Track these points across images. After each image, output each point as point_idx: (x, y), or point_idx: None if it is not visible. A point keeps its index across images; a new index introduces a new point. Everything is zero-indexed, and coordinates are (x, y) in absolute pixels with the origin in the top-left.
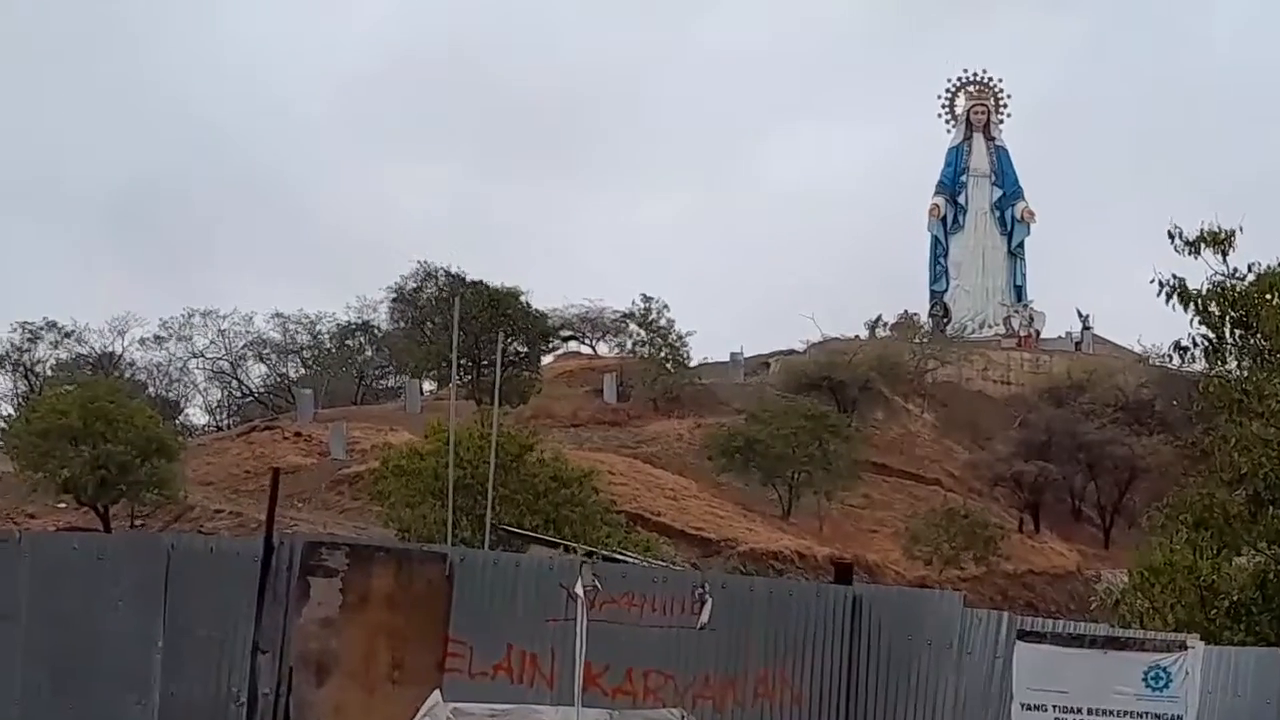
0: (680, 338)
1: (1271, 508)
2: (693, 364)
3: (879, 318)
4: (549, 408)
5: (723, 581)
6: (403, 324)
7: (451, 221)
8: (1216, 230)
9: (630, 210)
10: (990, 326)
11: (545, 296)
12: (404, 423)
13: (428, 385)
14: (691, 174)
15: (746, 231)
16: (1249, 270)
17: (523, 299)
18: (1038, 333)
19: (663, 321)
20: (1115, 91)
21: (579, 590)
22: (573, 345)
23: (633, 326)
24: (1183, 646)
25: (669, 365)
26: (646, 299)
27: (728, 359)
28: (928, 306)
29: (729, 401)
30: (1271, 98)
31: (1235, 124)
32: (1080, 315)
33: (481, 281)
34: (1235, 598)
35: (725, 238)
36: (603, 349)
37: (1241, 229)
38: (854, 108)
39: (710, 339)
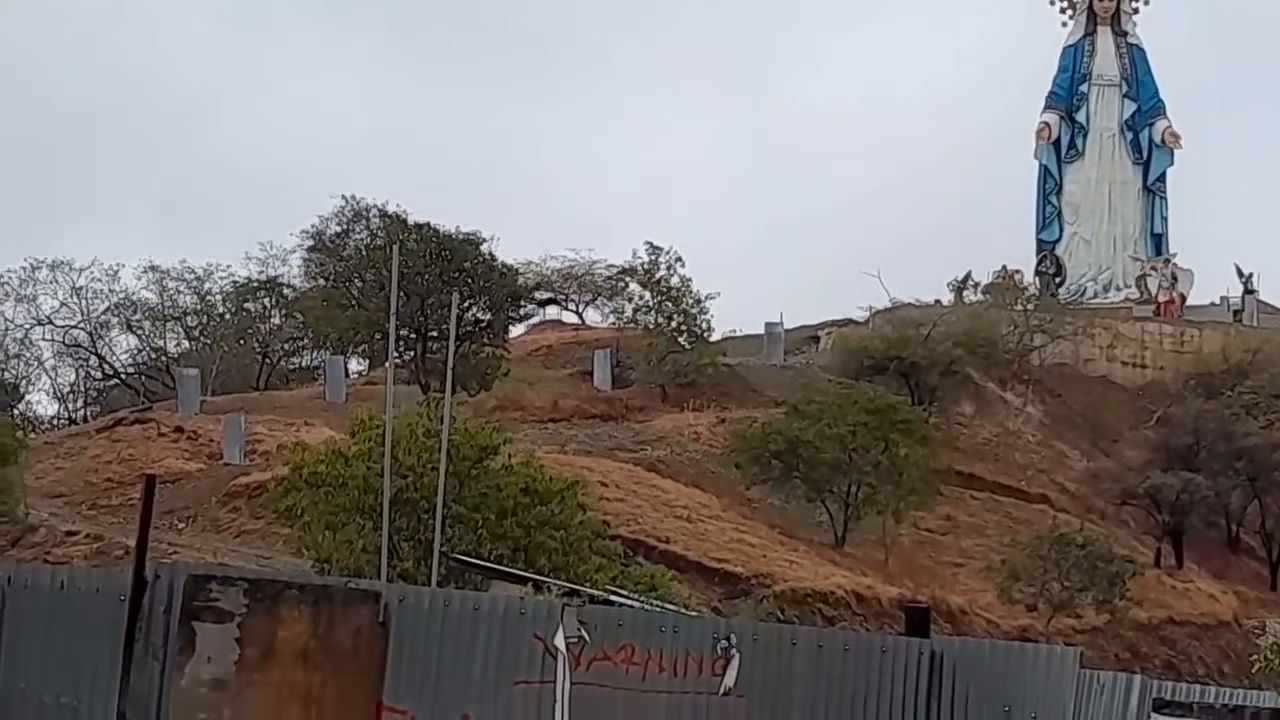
0: (699, 303)
1: None
2: (715, 338)
3: (967, 276)
4: (520, 396)
5: (754, 632)
6: (322, 281)
7: (389, 145)
8: None
9: (635, 136)
10: (1119, 289)
11: (517, 246)
12: (323, 415)
13: (356, 364)
14: (720, 91)
15: (790, 165)
16: None
17: (485, 249)
18: (1183, 297)
19: (675, 280)
20: None
21: (559, 643)
22: (553, 312)
23: (634, 287)
24: None
25: (683, 339)
26: (654, 250)
27: (763, 332)
28: (1034, 262)
29: (763, 389)
30: None
31: None
32: (1241, 274)
33: (429, 224)
34: None
35: (762, 173)
36: (593, 317)
37: None
38: None
39: (740, 305)
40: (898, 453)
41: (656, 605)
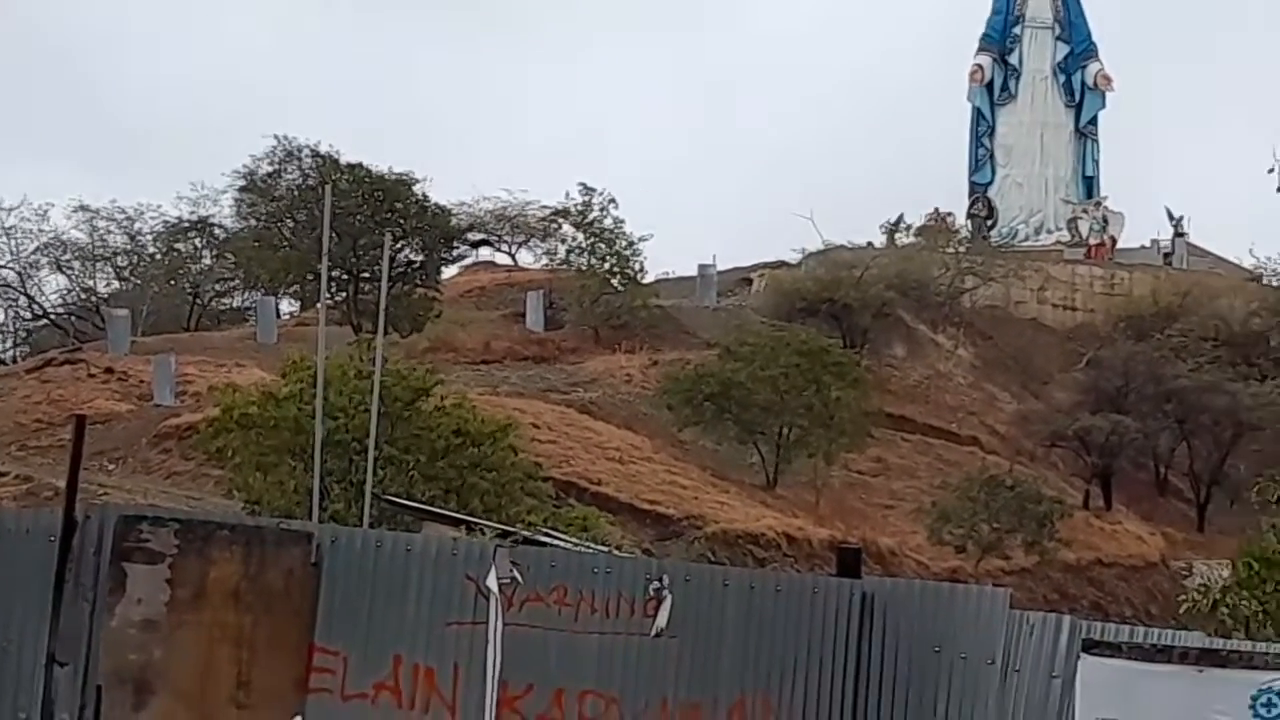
0: (632, 244)
1: None
2: (648, 280)
3: (899, 219)
4: (452, 337)
5: (686, 573)
6: (254, 222)
7: (320, 84)
8: None
9: (564, 73)
10: (1050, 231)
11: (449, 187)
12: (255, 356)
13: (287, 306)
14: (654, 32)
15: (724, 107)
16: None
17: (418, 189)
18: (1114, 240)
19: (608, 221)
20: None
21: (491, 584)
22: (485, 253)
23: (567, 228)
24: None
25: (616, 281)
26: (586, 190)
27: (695, 274)
28: (966, 204)
29: (696, 331)
30: None
31: None
32: (1171, 217)
33: (361, 165)
34: None
35: (696, 116)
36: (525, 258)
37: None
38: None
39: (673, 247)
40: (829, 395)
41: (588, 546)
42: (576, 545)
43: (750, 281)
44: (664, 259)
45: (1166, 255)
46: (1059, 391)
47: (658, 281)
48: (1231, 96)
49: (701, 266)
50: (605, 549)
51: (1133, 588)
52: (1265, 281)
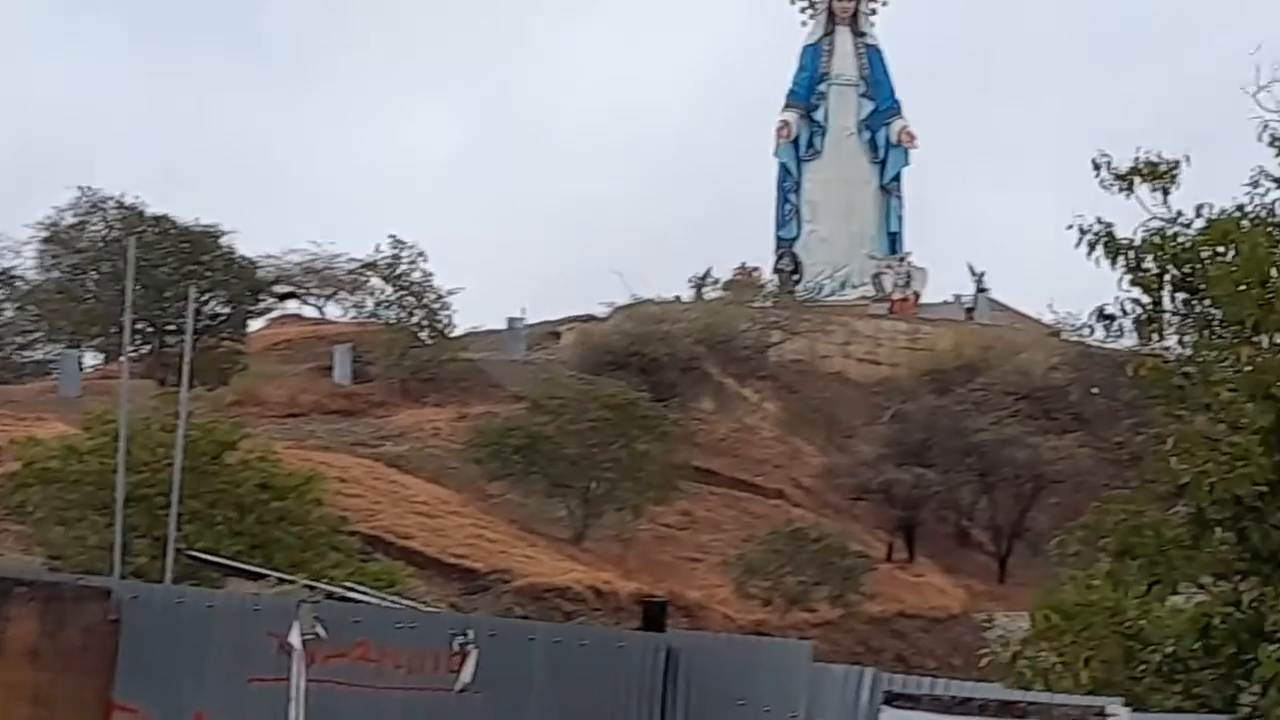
0: (440, 298)
1: (1219, 530)
2: (457, 333)
3: (707, 273)
4: (259, 390)
5: (492, 627)
6: (57, 274)
7: (128, 135)
8: (1156, 161)
9: (381, 132)
10: (855, 286)
11: (257, 240)
12: (57, 410)
13: (91, 358)
14: (463, 86)
15: (533, 160)
16: (1197, 214)
17: (225, 241)
18: (917, 295)
19: (417, 275)
20: None
21: (294, 639)
22: (293, 306)
23: (375, 281)
24: (1101, 714)
25: (424, 335)
26: (397, 244)
27: (504, 327)
28: (773, 259)
29: (505, 385)
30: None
31: (1186, 27)
32: (974, 273)
33: (167, 216)
34: (1169, 649)
35: (504, 169)
36: (333, 311)
37: (1188, 160)
38: None
39: (482, 300)
40: (637, 449)
41: (393, 601)
42: (381, 600)
43: (559, 335)
44: (473, 312)
45: (969, 310)
46: (863, 445)
47: (467, 335)
48: (1032, 154)
49: (510, 320)
50: (410, 604)
51: (936, 639)
52: (1065, 336)
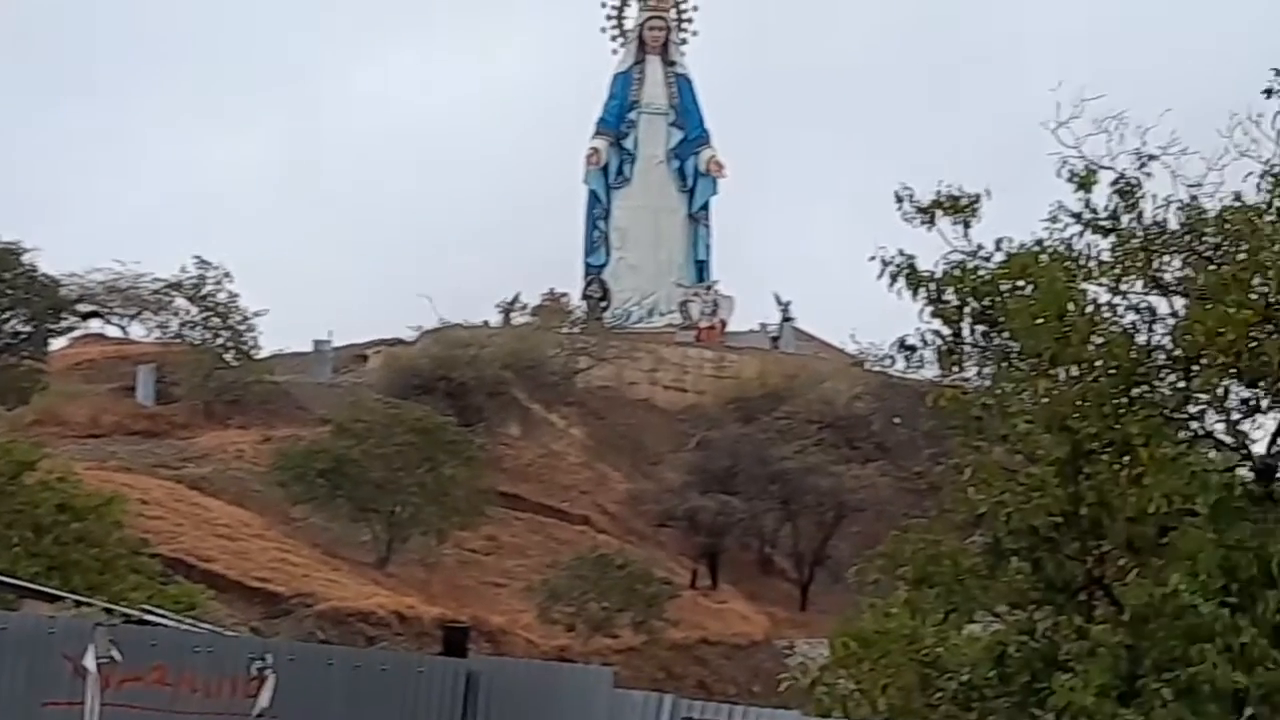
0: (246, 319)
1: (1015, 559)
2: (263, 355)
3: (515, 298)
4: (60, 410)
5: (291, 652)
6: None
7: None
8: (958, 195)
9: (182, 150)
10: (663, 314)
11: (60, 258)
12: None
13: None
14: (269, 108)
15: (340, 185)
16: (996, 248)
17: (26, 259)
18: (724, 323)
19: (222, 296)
20: (841, 9)
21: (89, 663)
22: (96, 325)
23: (180, 302)
24: None
25: (229, 356)
26: (202, 264)
27: (311, 349)
28: (582, 286)
29: (310, 407)
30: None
31: (991, 63)
32: (780, 302)
33: None
34: (965, 677)
35: (311, 191)
36: (137, 331)
37: (989, 194)
38: (488, 14)
39: (288, 322)
40: (443, 473)
41: (192, 624)
42: (180, 624)
43: (366, 358)
44: (279, 334)
45: (774, 339)
46: (669, 472)
47: (273, 357)
48: (840, 185)
49: (317, 342)
50: (209, 627)
51: (738, 666)
52: (868, 366)
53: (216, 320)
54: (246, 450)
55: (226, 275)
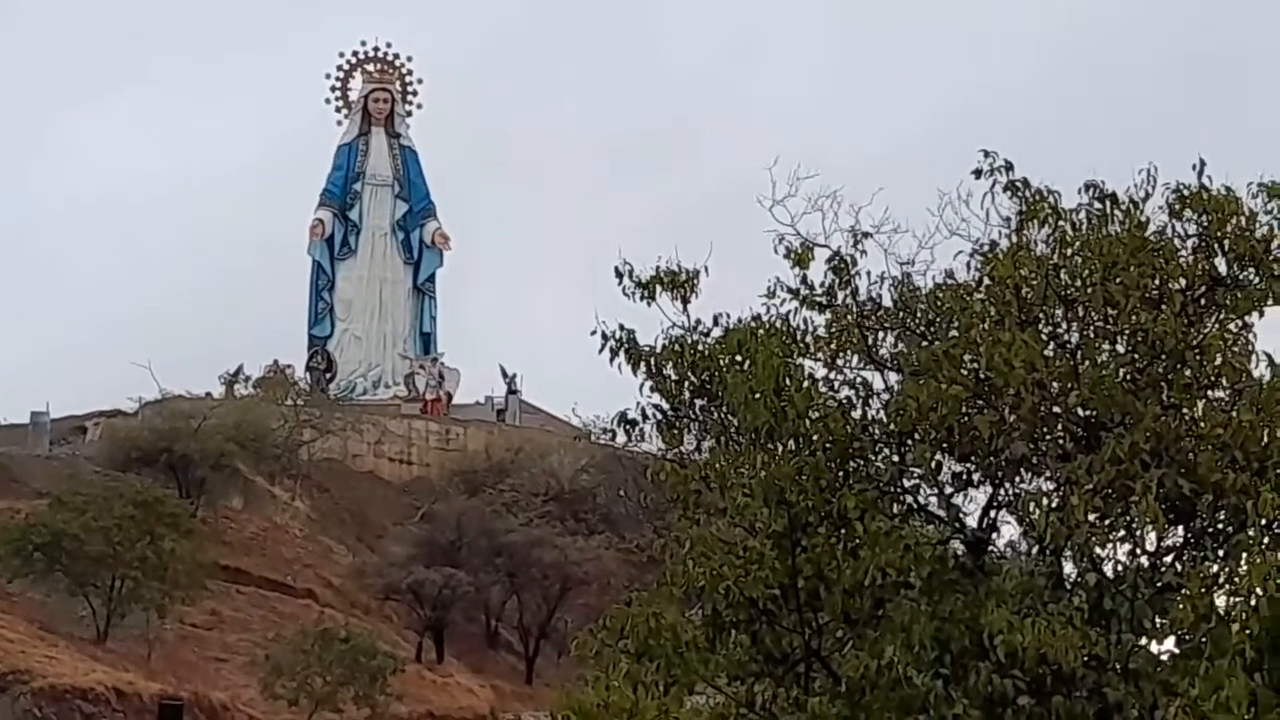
0: None
1: (734, 632)
2: None
3: (239, 370)
4: None
5: None
6: None
7: None
8: (677, 270)
9: None
10: (388, 386)
11: None
12: None
13: None
14: None
15: (57, 254)
16: (715, 323)
17: None
18: (450, 396)
19: None
20: (561, 77)
21: None
22: None
23: None
24: None
25: None
26: None
27: (27, 421)
28: (306, 357)
29: (27, 480)
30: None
31: (703, 138)
32: (505, 375)
33: None
34: None
35: (27, 261)
36: None
37: (707, 270)
38: (211, 84)
39: (2, 393)
40: (164, 547)
41: None
42: None
43: (85, 430)
44: None
45: (500, 412)
46: (394, 545)
47: None
48: (563, 257)
49: (34, 414)
50: None
51: None
52: (593, 440)
53: None
54: None
55: None
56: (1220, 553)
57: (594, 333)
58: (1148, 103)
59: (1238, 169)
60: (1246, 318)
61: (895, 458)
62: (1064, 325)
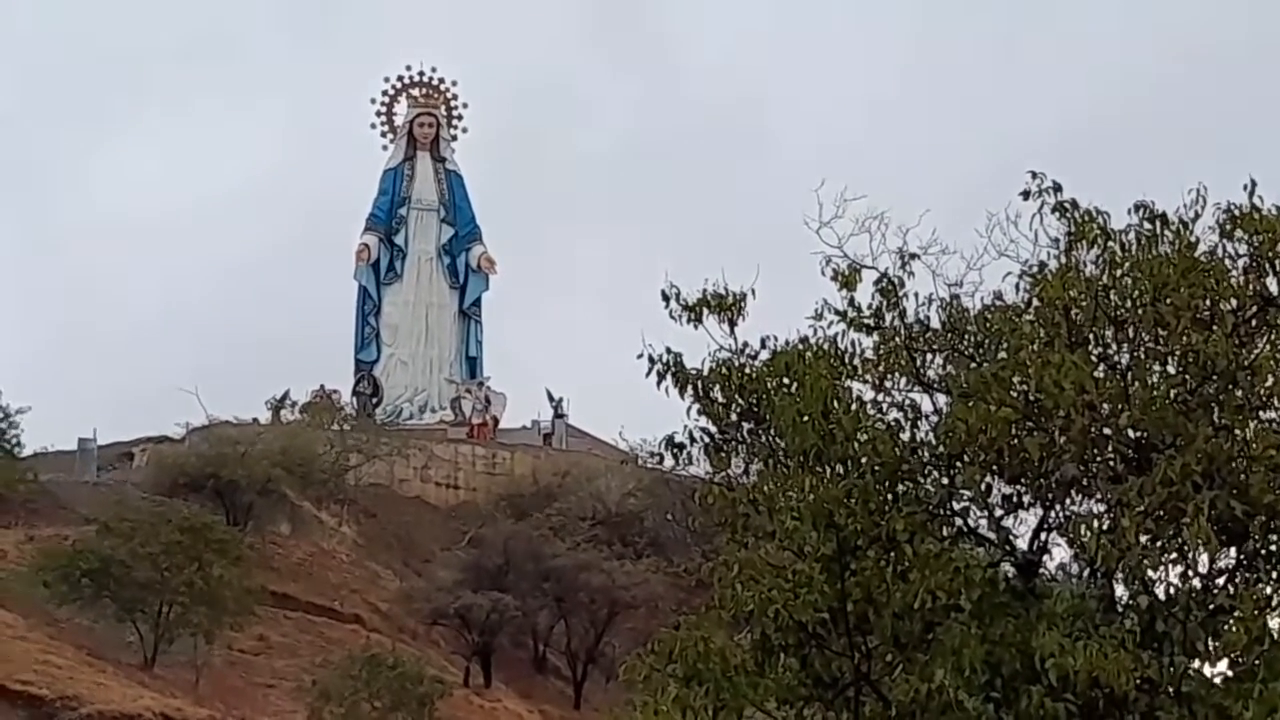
0: (8, 417)
1: (783, 656)
2: (26, 454)
3: (285, 395)
4: None
5: None
6: None
7: None
8: (724, 293)
9: None
10: (434, 410)
11: None
12: None
13: None
14: (23, 198)
15: (108, 280)
16: (762, 346)
17: None
18: (496, 420)
19: None
20: (608, 107)
21: None
22: None
23: None
24: None
25: None
26: None
27: (75, 448)
28: (352, 382)
29: (75, 507)
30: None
31: (751, 160)
32: (552, 399)
33: None
34: None
35: (77, 287)
36: None
37: (754, 293)
38: (250, 108)
39: (51, 420)
40: (211, 572)
41: None
42: None
43: (132, 456)
44: (42, 432)
45: (546, 436)
46: (441, 569)
47: (36, 456)
48: (611, 281)
49: (81, 440)
50: None
51: None
52: (640, 463)
53: None
54: (9, 550)
55: None
56: (1273, 574)
57: (641, 356)
58: (1198, 120)
59: None
60: None
61: (944, 480)
62: (1114, 346)
